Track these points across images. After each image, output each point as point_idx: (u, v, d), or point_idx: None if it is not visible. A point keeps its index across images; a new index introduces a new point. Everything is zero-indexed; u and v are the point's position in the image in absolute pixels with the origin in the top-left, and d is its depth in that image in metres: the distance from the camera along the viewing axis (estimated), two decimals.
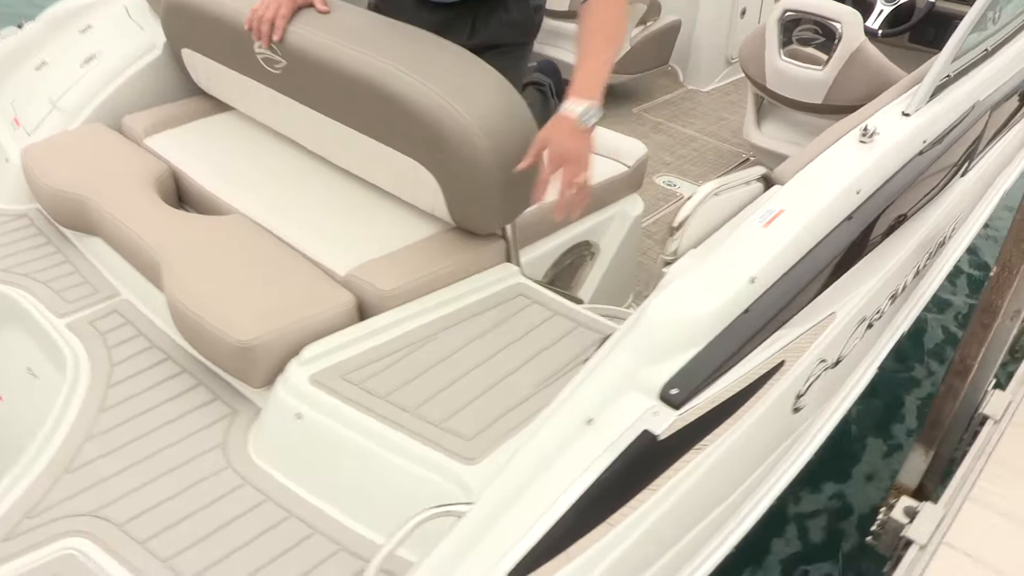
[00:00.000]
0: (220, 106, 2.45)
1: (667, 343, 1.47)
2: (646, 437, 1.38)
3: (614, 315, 1.97)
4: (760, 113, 3.41)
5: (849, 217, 1.79)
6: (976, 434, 2.21)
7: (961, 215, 2.52)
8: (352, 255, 1.89)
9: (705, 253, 1.62)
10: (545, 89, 2.51)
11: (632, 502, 1.39)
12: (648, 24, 4.09)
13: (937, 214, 2.24)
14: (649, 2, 3.98)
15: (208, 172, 2.21)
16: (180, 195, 2.25)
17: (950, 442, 2.37)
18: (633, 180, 2.46)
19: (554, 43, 4.00)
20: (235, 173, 2.19)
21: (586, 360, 1.52)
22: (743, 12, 4.49)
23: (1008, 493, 2.03)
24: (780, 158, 3.28)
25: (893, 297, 2.07)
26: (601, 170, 2.35)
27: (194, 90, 2.49)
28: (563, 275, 2.35)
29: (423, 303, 1.84)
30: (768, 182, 1.81)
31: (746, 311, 1.57)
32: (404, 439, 1.54)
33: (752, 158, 3.67)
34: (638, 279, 2.66)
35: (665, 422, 1.40)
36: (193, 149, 2.32)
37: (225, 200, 2.10)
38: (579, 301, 2.37)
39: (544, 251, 2.23)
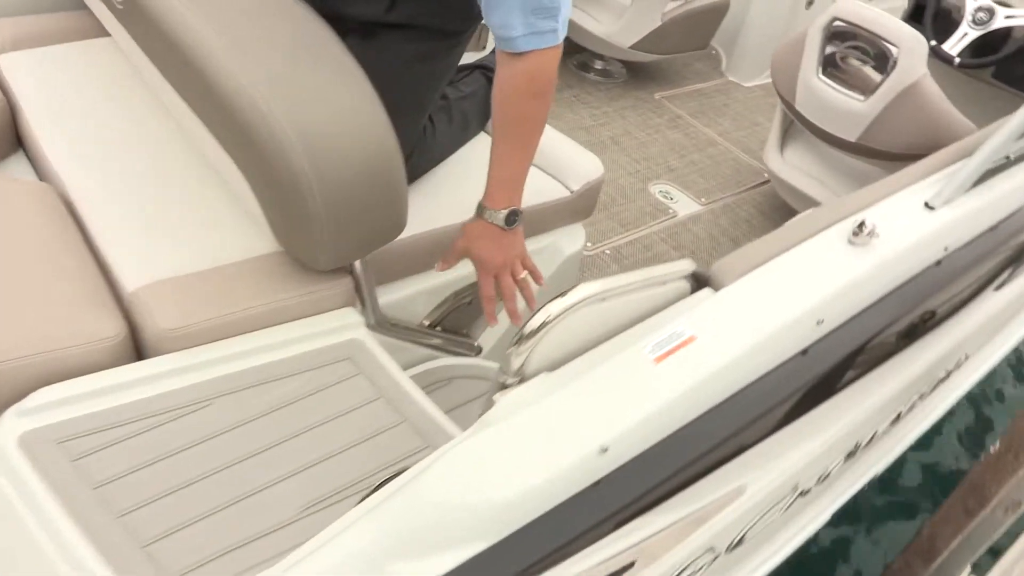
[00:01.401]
0: (101, 30, 1.96)
1: (444, 528, 0.98)
2: None
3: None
4: (786, 135, 2.82)
5: (803, 352, 1.27)
6: None
7: (980, 341, 1.96)
8: (153, 265, 1.43)
9: (559, 384, 1.11)
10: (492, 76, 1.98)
11: None
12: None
13: (948, 338, 1.69)
14: None
15: (48, 116, 1.74)
16: (19, 136, 1.79)
17: None
18: (578, 208, 1.94)
19: (583, 7, 3.42)
20: (75, 124, 1.72)
21: (374, 489, 1.04)
22: (810, 2, 3.82)
23: None
24: (798, 194, 2.71)
25: (850, 454, 1.55)
26: (535, 188, 1.84)
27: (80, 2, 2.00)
28: (462, 315, 1.86)
29: (217, 350, 1.37)
30: (699, 281, 1.29)
31: (595, 484, 1.07)
32: (84, 551, 1.09)
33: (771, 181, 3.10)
34: None
35: None
36: (48, 80, 1.84)
37: (50, 158, 1.64)
38: (477, 350, 1.89)
39: (432, 285, 1.74)
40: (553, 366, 1.13)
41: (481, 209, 1.52)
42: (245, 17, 1.36)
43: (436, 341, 1.79)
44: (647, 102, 3.54)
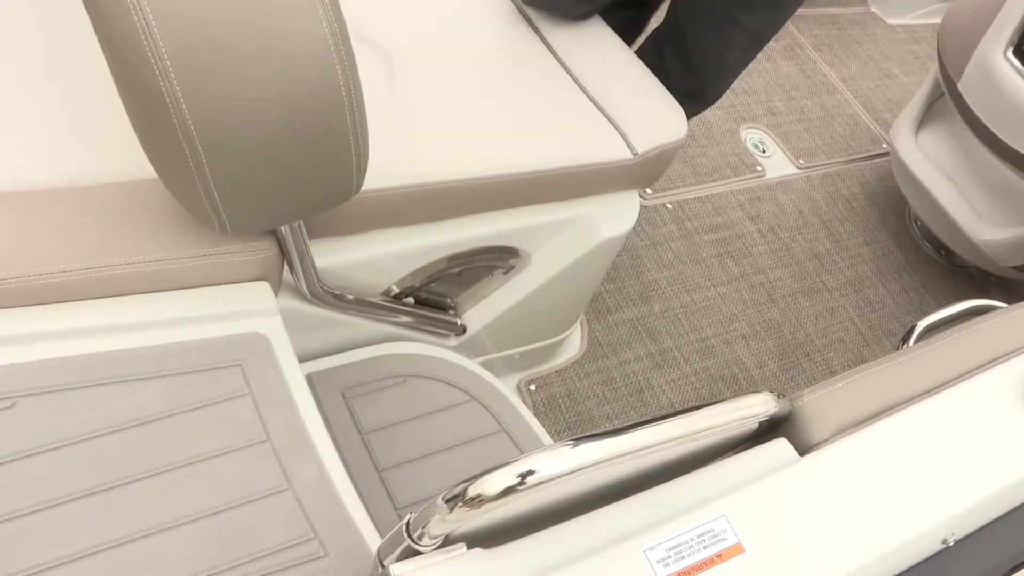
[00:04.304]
0: None
1: None
2: None
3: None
4: (928, 112, 2.20)
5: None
6: None
7: None
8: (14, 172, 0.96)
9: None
10: None
11: None
12: None
13: None
14: None
15: None
16: None
17: None
18: (636, 174, 1.41)
19: None
20: None
21: None
22: None
23: None
24: (920, 191, 2.13)
25: None
26: (585, 140, 1.34)
27: None
28: (447, 285, 1.38)
29: (42, 320, 0.91)
30: (773, 425, 0.80)
31: None
32: None
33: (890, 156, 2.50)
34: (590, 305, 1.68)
35: None
36: None
37: None
38: (460, 329, 1.44)
39: (410, 247, 1.24)
40: (492, 537, 0.67)
41: None
42: None
43: (403, 318, 1.32)
44: None
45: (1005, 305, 1.08)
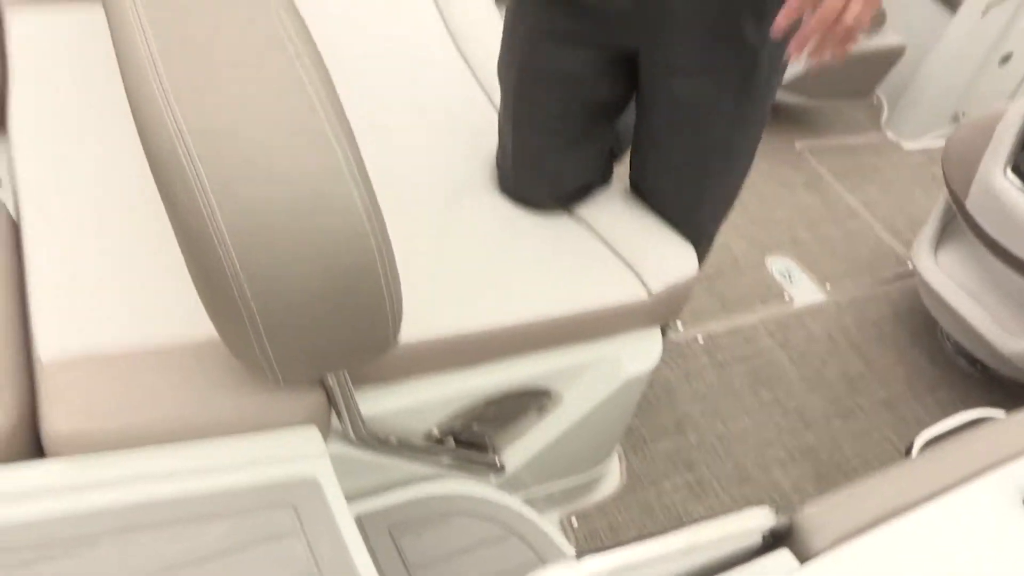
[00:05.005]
0: None
1: None
2: None
3: None
4: (944, 232, 2.30)
5: None
6: None
7: None
8: (80, 332, 1.11)
9: None
10: None
11: None
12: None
13: None
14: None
15: (33, 100, 1.46)
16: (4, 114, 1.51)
17: None
18: (655, 313, 1.51)
19: None
20: (57, 118, 1.43)
21: None
22: (1006, 58, 3.22)
23: None
24: (947, 309, 2.20)
25: None
26: (601, 281, 1.46)
27: None
28: (486, 426, 1.48)
29: (120, 465, 1.04)
30: (777, 538, 0.86)
31: None
32: None
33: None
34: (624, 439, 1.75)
35: None
36: (49, 49, 1.55)
37: (16, 159, 1.35)
38: (499, 468, 1.52)
39: (448, 393, 1.35)
40: None
41: None
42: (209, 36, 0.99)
43: (444, 458, 1.42)
44: (785, 152, 3.04)
45: (1004, 414, 1.14)
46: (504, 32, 1.44)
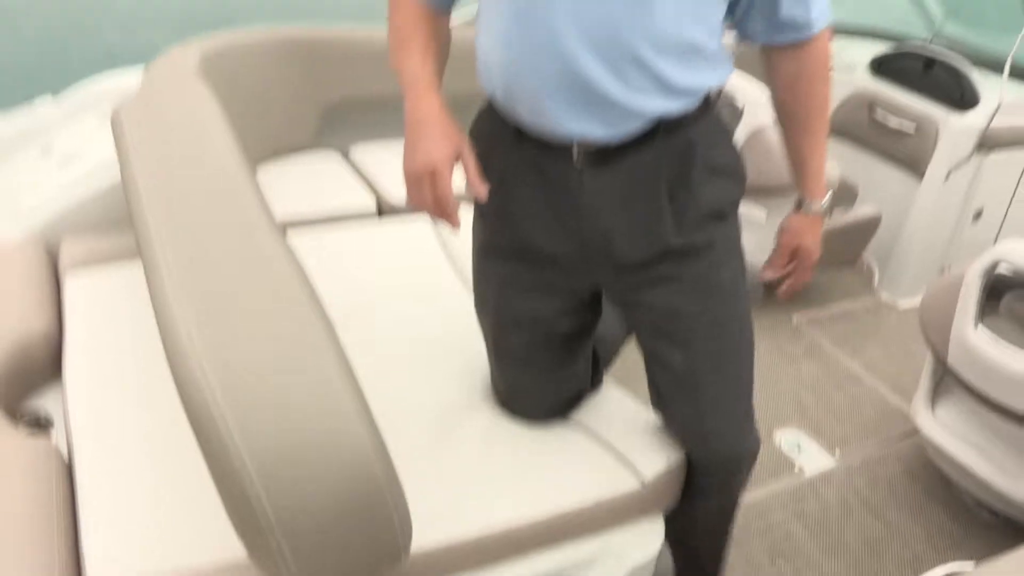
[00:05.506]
0: None
1: None
2: None
3: None
4: (938, 389, 2.38)
5: None
6: None
7: None
8: (130, 563, 1.26)
9: None
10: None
11: None
12: (834, 212, 3.14)
13: None
14: (836, 185, 3.01)
15: (84, 353, 1.70)
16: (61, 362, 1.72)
17: None
18: (650, 501, 1.61)
19: None
20: (107, 369, 1.65)
21: None
22: (978, 214, 3.40)
23: None
24: (953, 463, 2.25)
25: None
26: (589, 474, 1.57)
27: None
28: None
29: None
30: None
31: None
32: None
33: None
34: None
35: None
36: (98, 308, 1.79)
37: (70, 406, 1.55)
38: None
39: None
40: None
41: (804, 204, 1.54)
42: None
43: None
44: (783, 326, 3.19)
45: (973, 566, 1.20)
46: (474, 276, 1.61)
